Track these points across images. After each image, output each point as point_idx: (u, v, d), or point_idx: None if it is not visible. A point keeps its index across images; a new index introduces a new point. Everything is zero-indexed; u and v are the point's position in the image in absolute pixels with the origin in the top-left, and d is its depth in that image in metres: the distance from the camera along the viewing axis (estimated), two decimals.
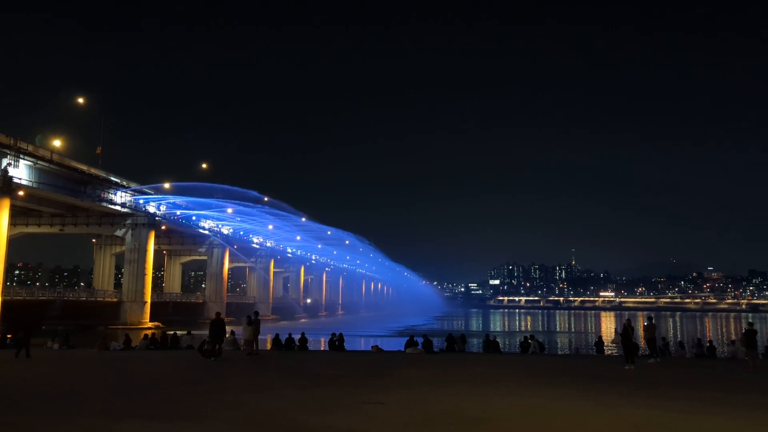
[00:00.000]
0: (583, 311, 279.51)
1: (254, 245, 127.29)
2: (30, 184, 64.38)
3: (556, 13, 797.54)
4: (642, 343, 28.47)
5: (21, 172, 62.52)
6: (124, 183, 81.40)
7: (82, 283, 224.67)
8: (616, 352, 28.53)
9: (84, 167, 72.81)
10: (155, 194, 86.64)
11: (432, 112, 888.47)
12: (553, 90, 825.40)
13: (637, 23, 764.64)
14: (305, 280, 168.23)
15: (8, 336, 33.66)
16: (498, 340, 34.75)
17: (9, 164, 60.39)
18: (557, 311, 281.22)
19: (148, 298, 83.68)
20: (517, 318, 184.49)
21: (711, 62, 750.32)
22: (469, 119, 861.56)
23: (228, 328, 26.52)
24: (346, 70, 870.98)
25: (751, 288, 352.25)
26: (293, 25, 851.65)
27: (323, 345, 40.60)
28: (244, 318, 27.12)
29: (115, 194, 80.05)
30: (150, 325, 78.94)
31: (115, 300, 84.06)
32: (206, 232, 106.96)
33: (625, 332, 23.20)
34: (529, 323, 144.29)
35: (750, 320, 29.02)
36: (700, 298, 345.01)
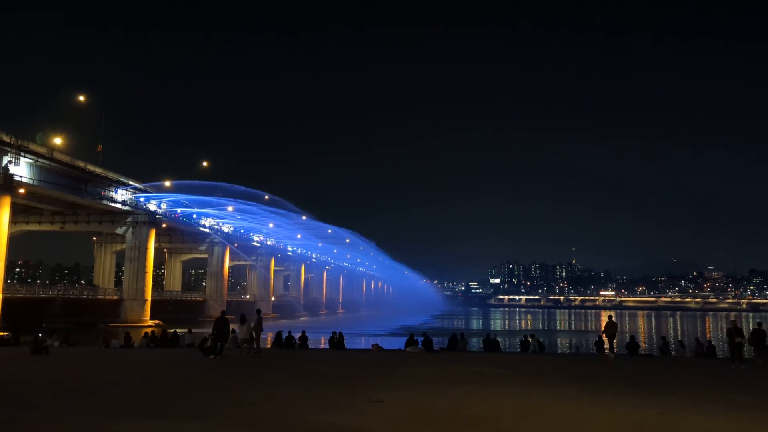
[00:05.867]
0: (583, 310, 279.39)
1: (255, 243, 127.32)
2: (31, 181, 64.40)
3: (557, 17, 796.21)
4: (603, 338, 29.22)
5: (22, 169, 62.54)
6: (125, 181, 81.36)
7: (82, 281, 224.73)
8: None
9: (85, 165, 72.82)
10: (156, 192, 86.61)
11: (434, 116, 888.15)
12: (555, 94, 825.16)
13: (636, 27, 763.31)
14: (306, 279, 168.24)
15: (4, 334, 33.70)
16: (498, 339, 34.77)
17: (10, 162, 60.42)
18: (557, 310, 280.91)
19: (148, 296, 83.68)
20: (517, 317, 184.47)
21: (711, 65, 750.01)
22: (471, 123, 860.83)
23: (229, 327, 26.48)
24: (350, 74, 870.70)
25: (751, 287, 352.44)
26: (298, 29, 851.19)
27: (323, 343, 40.61)
28: (243, 317, 26.97)
29: (116, 192, 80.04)
30: (150, 323, 78.90)
31: (116, 298, 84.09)
32: (207, 230, 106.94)
33: (733, 332, 23.43)
34: (529, 322, 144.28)
35: (758, 320, 29.48)
36: (701, 297, 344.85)
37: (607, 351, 28.15)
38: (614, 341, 28.49)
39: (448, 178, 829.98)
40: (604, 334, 29.06)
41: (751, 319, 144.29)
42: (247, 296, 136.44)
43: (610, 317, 29.03)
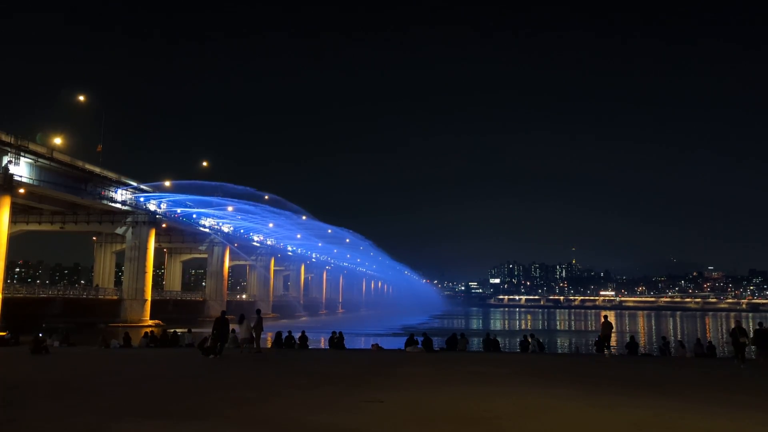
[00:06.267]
0: (583, 310, 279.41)
1: (255, 243, 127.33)
2: (31, 181, 64.40)
3: (556, 19, 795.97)
4: (605, 337, 29.40)
5: (22, 169, 62.54)
6: (125, 181, 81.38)
7: (82, 281, 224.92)
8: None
9: (85, 165, 72.83)
10: (156, 192, 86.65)
11: (434, 116, 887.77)
12: (555, 95, 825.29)
13: (634, 29, 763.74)
14: (305, 279, 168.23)
15: (4, 334, 33.69)
16: (498, 339, 34.78)
17: (10, 162, 60.41)
18: (557, 310, 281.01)
19: (148, 296, 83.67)
20: (517, 317, 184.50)
21: (710, 66, 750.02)
22: (471, 124, 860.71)
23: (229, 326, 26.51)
24: (350, 76, 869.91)
25: (751, 288, 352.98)
26: (299, 32, 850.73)
27: (323, 343, 40.62)
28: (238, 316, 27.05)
29: (116, 192, 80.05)
30: (150, 323, 78.92)
31: (116, 298, 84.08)
32: (207, 230, 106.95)
33: (737, 332, 23.84)
34: (529, 322, 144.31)
35: (760, 321, 29.76)
36: (701, 297, 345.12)
37: (606, 351, 28.29)
38: (610, 341, 28.88)
39: (448, 179, 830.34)
40: (601, 335, 29.32)
41: (751, 320, 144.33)
42: (246, 296, 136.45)
43: (605, 317, 29.58)
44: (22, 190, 64.23)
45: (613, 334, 29.13)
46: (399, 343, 36.14)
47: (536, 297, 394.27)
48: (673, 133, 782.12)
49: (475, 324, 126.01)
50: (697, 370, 22.19)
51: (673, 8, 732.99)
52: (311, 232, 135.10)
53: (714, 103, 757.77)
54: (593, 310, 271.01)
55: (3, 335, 33.86)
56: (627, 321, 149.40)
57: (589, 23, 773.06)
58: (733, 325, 24.51)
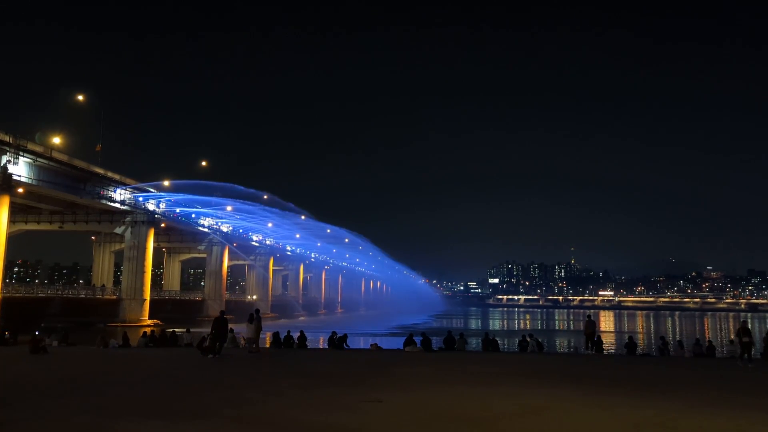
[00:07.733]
0: (582, 310, 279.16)
1: (253, 243, 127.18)
2: (29, 181, 64.28)
3: (556, 19, 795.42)
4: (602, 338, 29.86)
5: (20, 169, 62.43)
6: (124, 180, 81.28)
7: (81, 281, 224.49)
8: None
9: (84, 164, 72.70)
10: (155, 192, 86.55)
11: (434, 117, 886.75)
12: (554, 95, 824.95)
13: (636, 29, 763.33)
14: (304, 278, 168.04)
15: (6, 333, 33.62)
16: (497, 339, 34.78)
17: (9, 161, 60.30)
18: (556, 310, 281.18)
19: (147, 295, 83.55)
20: (516, 317, 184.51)
21: (710, 67, 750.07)
22: (471, 124, 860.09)
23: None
24: (350, 76, 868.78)
25: (750, 288, 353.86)
26: (300, 30, 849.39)
27: (322, 343, 40.63)
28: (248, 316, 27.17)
29: (115, 192, 79.94)
30: (149, 322, 78.79)
31: (115, 297, 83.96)
32: (206, 229, 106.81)
33: (741, 332, 24.53)
34: (528, 322, 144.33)
35: None
36: (699, 297, 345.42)
37: (607, 350, 28.47)
38: (593, 340, 29.43)
39: (448, 179, 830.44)
40: (601, 334, 29.56)
41: (750, 320, 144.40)
42: (247, 296, 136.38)
43: (588, 317, 29.75)
44: (20, 190, 64.14)
45: (602, 334, 29.40)
46: (398, 343, 36.16)
47: (535, 297, 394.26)
48: (673, 133, 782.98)
49: (474, 324, 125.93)
50: (696, 371, 22.21)
51: (674, 8, 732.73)
52: (310, 232, 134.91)
53: (715, 103, 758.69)
54: (592, 311, 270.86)
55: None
56: (626, 321, 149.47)
57: (594, 24, 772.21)
58: (738, 326, 25.02)
